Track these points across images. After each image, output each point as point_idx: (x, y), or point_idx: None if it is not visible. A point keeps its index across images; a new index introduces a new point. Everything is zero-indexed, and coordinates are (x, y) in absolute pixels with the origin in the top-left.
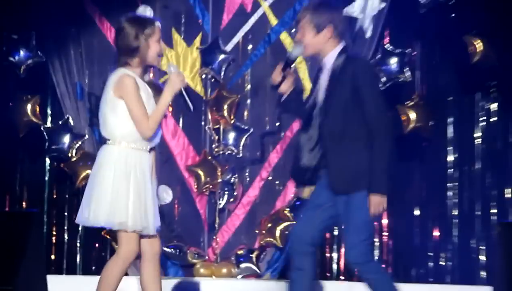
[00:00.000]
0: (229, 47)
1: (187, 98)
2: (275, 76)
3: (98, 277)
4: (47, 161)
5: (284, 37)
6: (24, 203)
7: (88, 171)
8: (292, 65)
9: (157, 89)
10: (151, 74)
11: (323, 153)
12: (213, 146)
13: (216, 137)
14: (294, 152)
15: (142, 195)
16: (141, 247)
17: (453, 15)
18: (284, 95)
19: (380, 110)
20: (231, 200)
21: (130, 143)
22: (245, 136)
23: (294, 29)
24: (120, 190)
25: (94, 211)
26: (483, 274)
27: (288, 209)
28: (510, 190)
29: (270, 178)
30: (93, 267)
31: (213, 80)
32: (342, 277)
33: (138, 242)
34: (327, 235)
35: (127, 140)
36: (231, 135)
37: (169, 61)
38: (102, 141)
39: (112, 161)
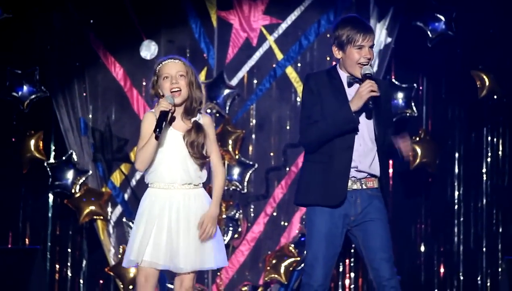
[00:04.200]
0: (234, 81)
1: (156, 121)
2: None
3: None
4: (51, 197)
5: (290, 71)
6: (27, 240)
7: (91, 207)
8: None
9: (200, 130)
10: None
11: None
12: None
13: None
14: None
15: (149, 230)
16: (174, 284)
17: (459, 49)
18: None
19: None
20: (236, 236)
21: (152, 184)
22: (250, 171)
23: (299, 64)
24: (134, 228)
25: None
26: None
27: (293, 245)
28: None
29: (274, 213)
30: None
31: (217, 115)
32: None
33: (155, 273)
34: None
35: (149, 181)
36: (236, 171)
37: None
38: (105, 177)
39: (140, 202)
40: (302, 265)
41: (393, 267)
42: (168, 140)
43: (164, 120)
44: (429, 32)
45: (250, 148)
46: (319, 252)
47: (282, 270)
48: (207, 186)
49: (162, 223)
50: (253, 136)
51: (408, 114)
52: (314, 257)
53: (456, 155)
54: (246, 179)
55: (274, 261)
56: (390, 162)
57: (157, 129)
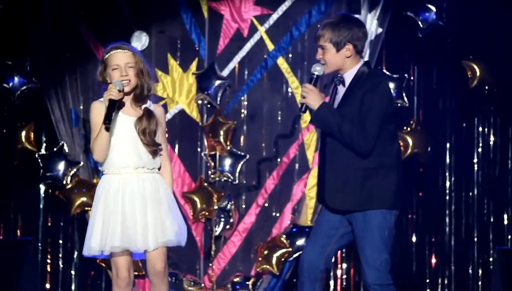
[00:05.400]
0: (225, 72)
1: (105, 111)
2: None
3: None
4: (42, 188)
5: (281, 62)
6: (18, 231)
7: (83, 198)
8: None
9: (151, 117)
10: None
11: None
12: (209, 172)
13: (212, 163)
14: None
15: (107, 217)
16: (147, 270)
17: (450, 40)
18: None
19: (367, 131)
20: (227, 227)
21: (106, 170)
22: (241, 162)
23: (291, 55)
24: (91, 216)
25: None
26: None
27: (284, 236)
28: (507, 216)
29: (266, 204)
30: None
31: (209, 106)
32: None
33: (125, 265)
34: None
35: (103, 168)
36: (227, 162)
37: (164, 86)
38: (97, 168)
39: (96, 190)
40: (294, 256)
41: (378, 271)
42: (118, 125)
43: (113, 110)
44: (420, 23)
45: (242, 139)
46: (312, 232)
47: (274, 261)
48: (199, 176)
49: (116, 208)
50: (245, 127)
51: (399, 104)
52: (309, 237)
53: (447, 145)
54: (238, 169)
55: (266, 252)
56: None
57: (107, 121)
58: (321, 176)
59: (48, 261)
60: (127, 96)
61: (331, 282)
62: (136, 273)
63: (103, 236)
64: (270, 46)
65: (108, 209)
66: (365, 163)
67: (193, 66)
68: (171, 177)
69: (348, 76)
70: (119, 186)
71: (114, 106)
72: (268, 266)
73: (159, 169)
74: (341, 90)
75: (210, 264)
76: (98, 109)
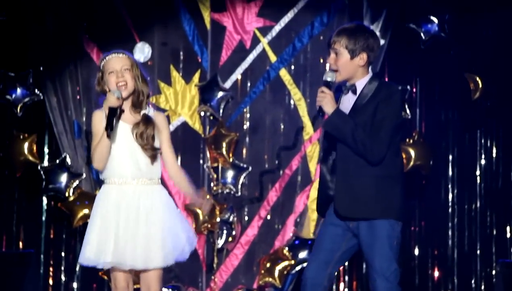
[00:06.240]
0: (228, 84)
1: (106, 119)
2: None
3: None
4: (44, 200)
5: (284, 74)
6: (20, 243)
7: (85, 211)
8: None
9: (149, 122)
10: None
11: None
12: (212, 184)
13: (215, 175)
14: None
15: (103, 230)
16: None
17: (452, 52)
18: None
19: (381, 139)
20: (230, 239)
21: (105, 180)
22: (244, 174)
23: (293, 66)
24: (89, 224)
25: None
26: None
27: (287, 248)
28: (510, 228)
29: (268, 217)
30: None
31: (211, 117)
32: None
33: (123, 276)
34: None
35: (103, 177)
36: (230, 174)
37: (167, 97)
38: (99, 180)
39: (95, 199)
40: (297, 268)
41: (389, 281)
42: (117, 133)
43: (113, 117)
44: (422, 34)
45: (244, 151)
46: (314, 248)
47: (276, 273)
48: (202, 188)
49: (111, 224)
50: (247, 139)
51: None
52: (311, 253)
53: (450, 157)
54: (240, 182)
55: (268, 265)
56: None
57: (108, 128)
58: (325, 186)
59: (51, 273)
60: (125, 102)
61: None
62: (136, 286)
63: (98, 249)
64: (273, 58)
65: (105, 222)
66: (374, 171)
67: (196, 78)
68: (187, 182)
69: (359, 85)
70: (115, 199)
71: (115, 114)
72: (270, 279)
73: (161, 178)
74: (348, 98)
75: (212, 277)
76: (99, 118)
